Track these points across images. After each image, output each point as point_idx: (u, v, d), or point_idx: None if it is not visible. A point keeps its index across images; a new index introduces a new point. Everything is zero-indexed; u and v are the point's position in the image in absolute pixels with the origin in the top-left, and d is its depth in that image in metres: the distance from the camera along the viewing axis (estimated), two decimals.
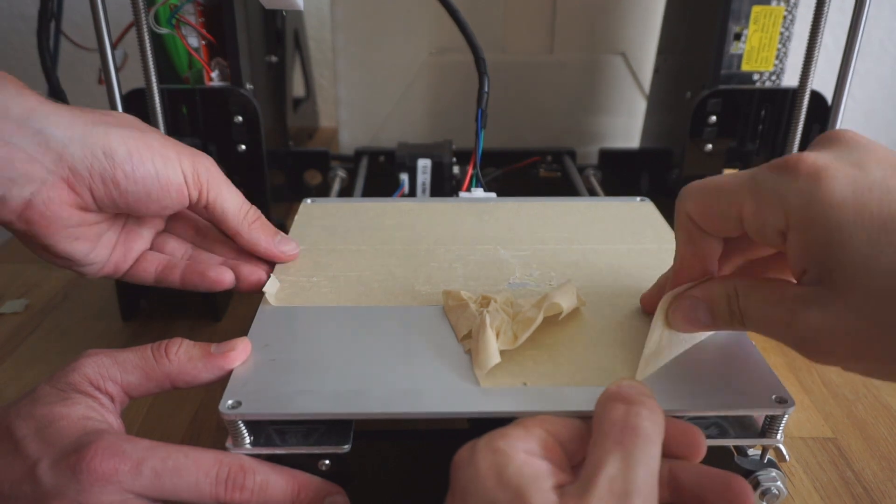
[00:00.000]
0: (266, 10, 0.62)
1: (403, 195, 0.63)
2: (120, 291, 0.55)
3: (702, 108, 0.59)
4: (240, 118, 0.54)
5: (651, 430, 0.26)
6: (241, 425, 0.31)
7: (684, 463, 0.29)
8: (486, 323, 0.34)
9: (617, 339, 0.35)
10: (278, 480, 0.31)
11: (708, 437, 0.31)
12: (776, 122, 0.60)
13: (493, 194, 0.54)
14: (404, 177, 0.63)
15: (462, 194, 0.54)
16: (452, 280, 0.41)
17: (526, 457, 0.27)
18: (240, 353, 0.34)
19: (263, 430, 0.32)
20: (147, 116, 0.49)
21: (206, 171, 0.39)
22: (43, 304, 0.60)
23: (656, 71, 0.76)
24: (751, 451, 0.34)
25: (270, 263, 0.43)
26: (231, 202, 0.40)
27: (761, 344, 0.54)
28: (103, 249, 0.39)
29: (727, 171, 0.63)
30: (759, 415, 0.32)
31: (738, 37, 0.57)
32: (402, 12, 0.75)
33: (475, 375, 0.33)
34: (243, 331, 0.36)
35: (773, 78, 0.60)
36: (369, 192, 0.66)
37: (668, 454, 0.28)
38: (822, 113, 0.57)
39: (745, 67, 0.59)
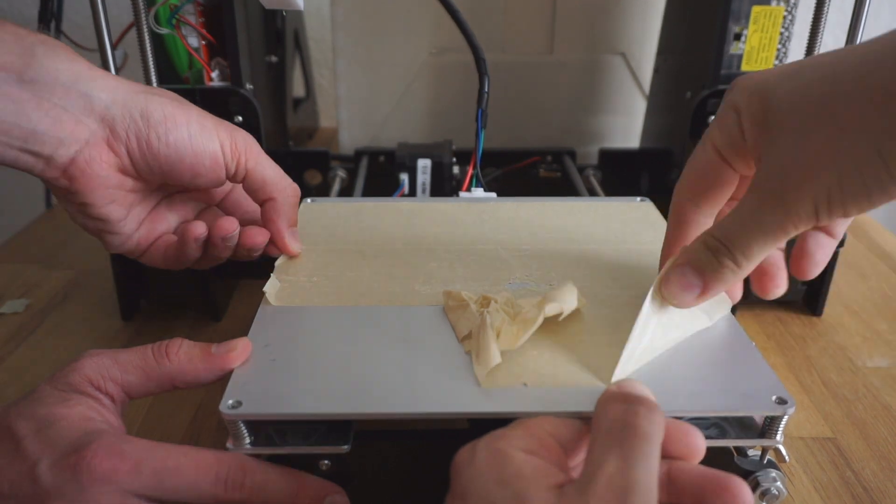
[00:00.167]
0: (266, 10, 0.62)
1: (403, 195, 0.63)
2: (120, 291, 0.55)
3: (702, 108, 0.59)
4: (240, 118, 0.54)
5: (650, 430, 0.26)
6: (242, 425, 0.31)
7: (683, 463, 0.29)
8: (486, 323, 0.34)
9: (617, 339, 0.35)
10: (278, 480, 0.31)
11: (708, 437, 0.31)
12: None
13: (493, 194, 0.54)
14: (404, 177, 0.63)
15: (462, 194, 0.54)
16: (452, 280, 0.41)
17: (526, 457, 0.27)
18: (240, 354, 0.34)
19: (263, 429, 0.32)
20: None
21: (244, 141, 0.40)
22: (43, 304, 0.60)
23: (656, 71, 0.76)
24: (751, 452, 0.34)
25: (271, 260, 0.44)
26: (270, 172, 0.42)
27: (761, 344, 0.55)
28: (133, 221, 0.41)
29: None
30: (759, 415, 0.32)
31: (738, 37, 0.57)
32: (402, 12, 0.75)
33: (475, 375, 0.33)
34: (243, 331, 0.36)
35: None
36: (369, 192, 0.66)
37: (666, 455, 0.28)
38: None
39: (745, 67, 0.59)
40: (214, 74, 0.54)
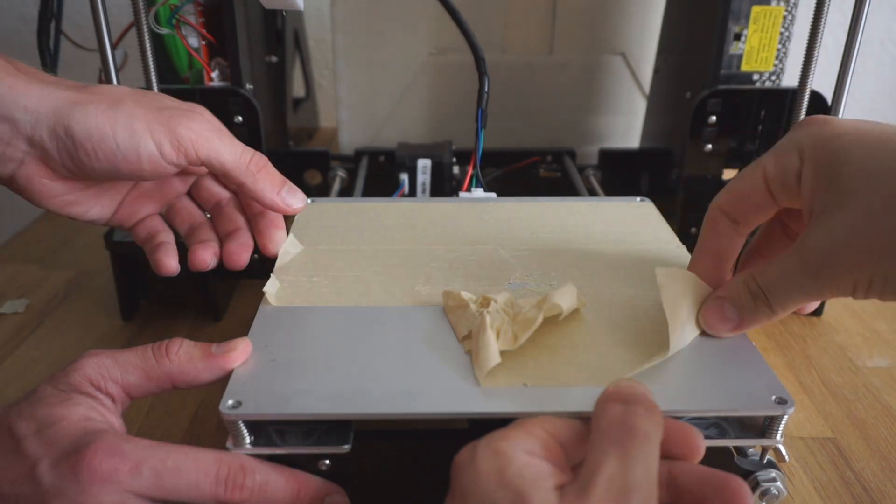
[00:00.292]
0: (266, 10, 0.62)
1: (403, 195, 0.63)
2: (120, 291, 0.55)
3: (702, 108, 0.59)
4: (240, 118, 0.54)
5: (649, 430, 0.26)
6: (242, 425, 0.31)
7: (683, 463, 0.29)
8: (486, 323, 0.34)
9: (617, 339, 0.35)
10: (278, 480, 0.31)
11: (707, 437, 0.31)
12: (776, 123, 0.60)
13: (493, 194, 0.54)
14: (404, 177, 0.63)
15: (462, 194, 0.54)
16: (452, 280, 0.41)
17: (527, 458, 0.27)
18: (240, 354, 0.34)
19: (263, 430, 0.32)
20: None
21: (190, 130, 0.37)
22: (43, 304, 0.60)
23: (656, 71, 0.76)
24: (750, 452, 0.34)
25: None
26: (228, 153, 0.39)
27: (761, 344, 0.55)
28: (104, 209, 0.41)
29: (727, 172, 0.63)
30: (759, 415, 0.32)
31: (737, 37, 0.57)
32: (402, 12, 0.75)
33: (475, 376, 0.33)
34: (243, 331, 0.36)
35: (773, 78, 0.60)
36: (369, 192, 0.66)
37: (666, 455, 0.28)
38: (822, 113, 0.57)
39: (744, 67, 0.59)
40: (214, 74, 0.54)
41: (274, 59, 0.69)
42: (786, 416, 0.31)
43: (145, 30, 0.48)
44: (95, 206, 0.40)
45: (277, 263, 0.43)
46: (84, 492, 0.29)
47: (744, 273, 0.33)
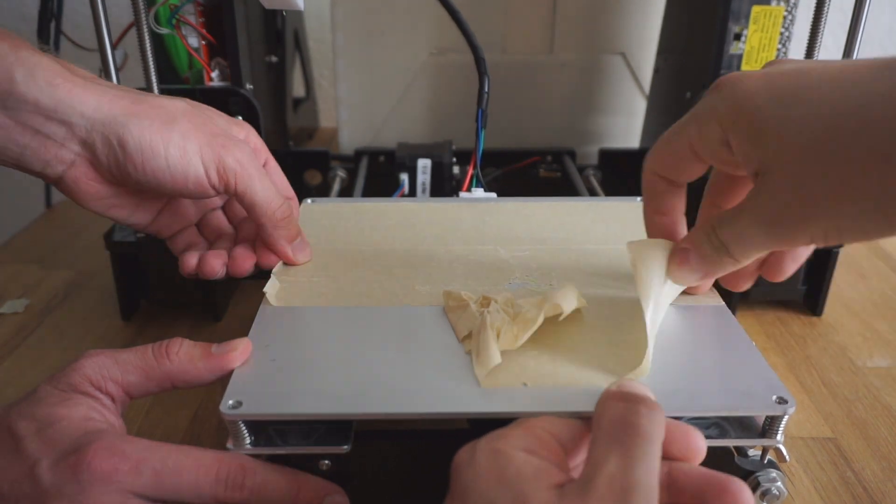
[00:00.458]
0: (266, 10, 0.62)
1: (403, 195, 0.63)
2: (120, 291, 0.55)
3: None
4: (240, 118, 0.54)
5: (650, 429, 0.26)
6: (242, 425, 0.31)
7: (682, 465, 0.29)
8: (486, 323, 0.34)
9: (617, 340, 0.35)
10: (278, 480, 0.31)
11: (708, 437, 0.31)
12: None
13: (493, 194, 0.54)
14: (404, 177, 0.63)
15: (462, 194, 0.54)
16: (452, 280, 0.41)
17: (526, 457, 0.27)
18: (240, 354, 0.34)
19: (264, 430, 0.32)
20: None
21: (236, 162, 0.39)
22: (43, 304, 0.60)
23: (656, 71, 0.76)
24: (751, 452, 0.34)
25: None
26: (261, 196, 0.40)
27: (761, 344, 0.55)
28: (144, 215, 0.42)
29: None
30: (760, 415, 0.32)
31: (738, 37, 0.57)
32: (402, 12, 0.75)
33: (475, 376, 0.33)
34: (243, 331, 0.36)
35: None
36: (369, 192, 0.66)
37: (667, 456, 0.28)
38: None
39: (745, 67, 0.58)
40: (214, 74, 0.54)
41: (274, 59, 0.69)
42: (786, 416, 0.31)
43: (145, 30, 0.48)
44: (137, 212, 0.42)
45: (276, 267, 0.43)
46: (84, 492, 0.29)
47: (705, 224, 0.33)
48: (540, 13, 0.76)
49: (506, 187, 0.72)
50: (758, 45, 0.57)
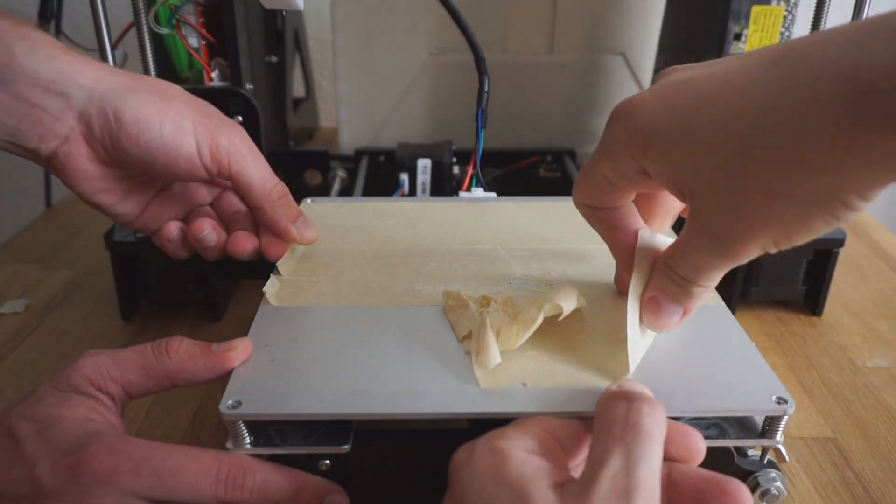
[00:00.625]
0: (266, 10, 0.62)
1: (403, 195, 0.63)
2: (120, 291, 0.55)
3: None
4: (240, 118, 0.54)
5: (653, 427, 0.26)
6: (242, 425, 0.31)
7: (682, 466, 0.29)
8: (486, 323, 0.34)
9: (617, 340, 0.35)
10: (278, 480, 0.31)
11: (707, 437, 0.31)
12: None
13: (493, 194, 0.54)
14: (404, 177, 0.63)
15: (462, 194, 0.54)
16: (452, 280, 0.41)
17: (525, 455, 0.27)
18: (240, 353, 0.34)
19: (264, 430, 0.32)
20: None
21: (229, 142, 0.39)
22: (43, 304, 0.60)
23: (656, 71, 0.76)
24: (751, 452, 0.34)
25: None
26: (256, 176, 0.40)
27: (761, 344, 0.55)
28: (132, 205, 0.42)
29: None
30: (759, 415, 0.32)
31: (738, 37, 0.57)
32: (402, 12, 0.75)
33: (475, 376, 0.33)
34: (243, 331, 0.36)
35: None
36: (369, 192, 0.66)
37: (666, 457, 0.28)
38: None
39: None
40: (214, 74, 0.54)
41: (274, 59, 0.69)
42: (786, 416, 0.31)
43: (145, 30, 0.48)
44: (126, 200, 0.41)
45: (281, 258, 0.43)
46: (84, 492, 0.29)
47: (661, 266, 0.32)
48: (540, 13, 0.76)
49: (506, 187, 0.72)
50: (758, 45, 0.57)
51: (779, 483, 0.33)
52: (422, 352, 0.35)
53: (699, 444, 0.29)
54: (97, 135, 0.37)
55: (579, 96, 0.80)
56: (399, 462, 0.36)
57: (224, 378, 0.33)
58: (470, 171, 0.55)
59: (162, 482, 0.30)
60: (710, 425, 0.32)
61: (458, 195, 0.54)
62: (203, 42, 0.53)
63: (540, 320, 0.34)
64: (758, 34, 0.57)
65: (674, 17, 0.71)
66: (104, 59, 0.47)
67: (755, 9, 0.56)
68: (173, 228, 0.42)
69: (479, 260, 0.43)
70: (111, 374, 0.33)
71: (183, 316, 0.57)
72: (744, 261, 0.29)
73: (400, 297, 0.40)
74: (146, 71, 0.49)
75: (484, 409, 0.31)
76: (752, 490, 0.33)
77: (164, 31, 0.50)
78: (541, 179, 0.74)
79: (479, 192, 0.54)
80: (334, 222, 0.48)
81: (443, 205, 0.51)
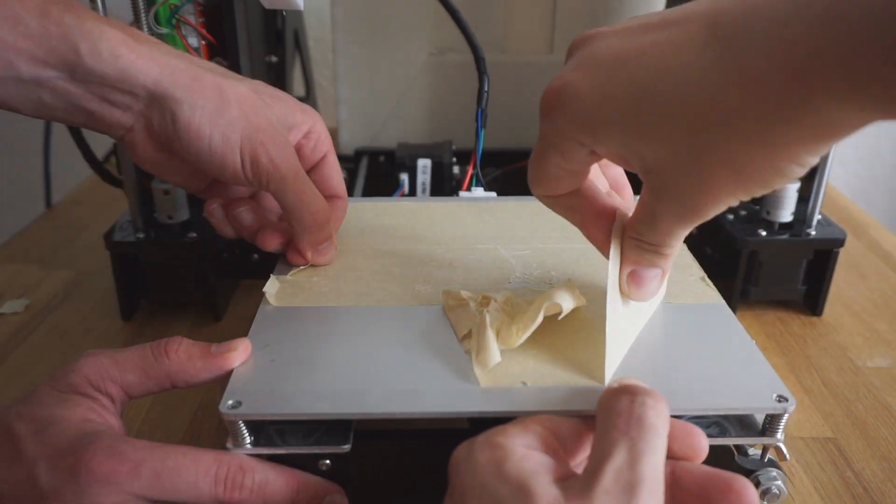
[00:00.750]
0: (266, 10, 0.62)
1: (403, 195, 0.63)
2: (120, 291, 0.55)
3: None
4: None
5: (657, 421, 0.26)
6: (242, 425, 0.31)
7: (686, 463, 0.29)
8: (486, 323, 0.34)
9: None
10: (277, 480, 0.31)
11: (708, 436, 0.31)
12: None
13: (493, 194, 0.54)
14: (404, 177, 0.63)
15: (462, 194, 0.54)
16: (452, 280, 0.41)
17: (525, 451, 0.27)
18: (240, 354, 0.34)
19: (264, 430, 0.32)
20: None
21: (269, 162, 0.39)
22: (43, 304, 0.60)
23: None
24: (751, 451, 0.34)
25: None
26: (291, 200, 0.41)
27: (761, 344, 0.55)
28: (196, 183, 0.44)
29: None
30: (760, 413, 0.32)
31: None
32: (402, 12, 0.75)
33: (475, 375, 0.33)
34: (243, 331, 0.36)
35: None
36: (369, 192, 0.66)
37: (669, 455, 0.28)
38: None
39: None
40: None
41: (274, 59, 0.69)
42: (787, 414, 0.31)
43: (145, 29, 0.48)
44: (191, 180, 0.43)
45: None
46: (83, 493, 0.29)
47: (629, 240, 0.33)
48: (540, 13, 0.76)
49: (506, 187, 0.71)
50: None
51: (779, 482, 0.33)
52: (422, 351, 0.35)
53: (702, 442, 0.29)
54: (157, 130, 0.39)
55: None
56: (399, 462, 0.36)
57: (224, 378, 0.33)
58: (470, 171, 0.55)
59: (161, 482, 0.30)
60: (711, 424, 0.32)
61: (458, 195, 0.54)
62: (203, 42, 0.53)
63: (540, 319, 0.34)
64: None
65: None
66: None
67: None
68: (215, 206, 0.44)
69: (479, 259, 0.43)
70: (110, 374, 0.33)
71: (183, 316, 0.57)
72: (709, 217, 0.29)
73: (400, 296, 0.40)
74: None
75: (484, 409, 0.31)
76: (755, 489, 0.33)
77: (164, 30, 0.50)
78: None
79: (479, 191, 0.54)
80: None
81: (443, 205, 0.51)
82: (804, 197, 0.55)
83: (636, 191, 0.34)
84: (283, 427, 0.32)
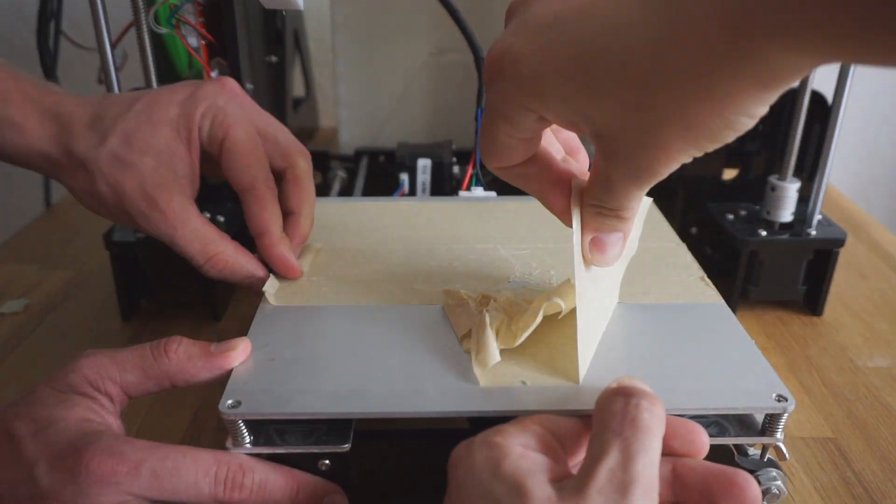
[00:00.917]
0: (266, 10, 0.62)
1: (403, 195, 0.63)
2: (120, 291, 0.55)
3: None
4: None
5: (651, 422, 0.26)
6: (241, 425, 0.31)
7: (687, 460, 0.29)
8: (485, 322, 0.34)
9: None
10: (277, 479, 0.31)
11: (708, 435, 0.31)
12: (776, 122, 0.60)
13: (493, 194, 0.54)
14: (404, 177, 0.63)
15: (462, 194, 0.54)
16: (452, 279, 0.41)
17: (523, 450, 0.27)
18: (240, 353, 0.34)
19: (263, 429, 0.32)
20: None
21: (161, 211, 0.41)
22: (43, 304, 0.60)
23: None
24: (751, 451, 0.34)
25: None
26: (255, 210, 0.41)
27: (761, 344, 0.55)
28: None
29: (726, 171, 0.63)
30: (760, 413, 0.32)
31: None
32: (402, 12, 0.75)
33: (475, 375, 0.33)
34: (243, 331, 0.36)
35: None
36: (369, 192, 0.66)
37: (670, 452, 0.28)
38: (822, 113, 0.57)
39: None
40: (214, 74, 0.54)
41: (274, 59, 0.69)
42: (786, 414, 0.31)
43: (145, 29, 0.48)
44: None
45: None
46: (82, 493, 0.29)
47: (588, 207, 0.32)
48: None
49: (506, 186, 0.71)
50: None
51: (779, 482, 0.33)
52: (421, 351, 0.35)
53: (703, 439, 0.29)
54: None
55: None
56: (399, 462, 0.36)
57: (224, 378, 0.33)
58: (470, 171, 0.55)
59: (160, 482, 0.30)
60: (711, 423, 0.32)
61: (458, 195, 0.54)
62: (203, 42, 0.53)
63: (539, 319, 0.34)
64: None
65: None
66: (103, 58, 0.47)
67: None
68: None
69: (479, 259, 0.43)
70: (109, 374, 0.33)
71: (183, 316, 0.57)
72: (664, 176, 0.29)
73: (400, 296, 0.40)
74: (146, 70, 0.49)
75: (484, 408, 0.31)
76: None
77: (163, 30, 0.50)
78: None
79: (479, 191, 0.54)
80: (334, 222, 0.48)
81: (443, 204, 0.51)
82: (804, 197, 0.55)
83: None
84: (282, 427, 0.32)
